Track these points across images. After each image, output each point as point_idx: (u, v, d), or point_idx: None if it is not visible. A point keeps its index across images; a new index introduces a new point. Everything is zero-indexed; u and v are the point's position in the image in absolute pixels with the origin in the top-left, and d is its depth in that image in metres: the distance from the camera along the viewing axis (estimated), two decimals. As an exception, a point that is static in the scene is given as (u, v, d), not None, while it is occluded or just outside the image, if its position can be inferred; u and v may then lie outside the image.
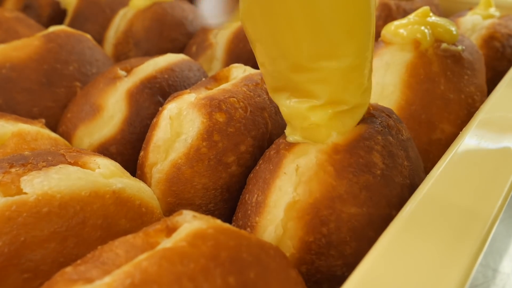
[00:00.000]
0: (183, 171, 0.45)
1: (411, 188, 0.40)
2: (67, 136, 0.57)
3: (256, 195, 0.40)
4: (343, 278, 0.37)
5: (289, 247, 0.38)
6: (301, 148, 0.40)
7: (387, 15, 0.75)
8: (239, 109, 0.46)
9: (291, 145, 0.41)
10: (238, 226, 0.41)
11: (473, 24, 0.68)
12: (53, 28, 0.67)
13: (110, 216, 0.38)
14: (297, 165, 0.38)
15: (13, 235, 0.34)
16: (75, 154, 0.41)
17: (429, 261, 0.30)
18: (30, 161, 0.38)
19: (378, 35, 0.72)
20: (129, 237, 0.31)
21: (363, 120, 0.40)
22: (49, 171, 0.37)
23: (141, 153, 0.48)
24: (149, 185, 0.46)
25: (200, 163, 0.45)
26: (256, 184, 0.41)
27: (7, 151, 0.47)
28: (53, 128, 0.61)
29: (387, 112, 0.43)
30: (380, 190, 0.38)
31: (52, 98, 0.62)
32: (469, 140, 0.42)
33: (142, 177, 0.47)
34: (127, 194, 0.39)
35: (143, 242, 0.30)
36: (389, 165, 0.39)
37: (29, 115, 0.60)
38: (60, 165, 0.38)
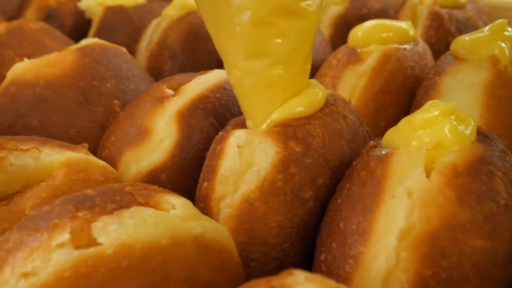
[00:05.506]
0: (256, 207, 0.40)
1: None
2: (112, 161, 0.52)
3: (356, 222, 0.36)
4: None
5: (402, 281, 0.33)
6: (399, 167, 0.36)
7: (439, 25, 0.70)
8: (316, 137, 0.41)
9: (384, 164, 0.37)
10: (333, 257, 0.37)
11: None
12: (85, 41, 0.62)
13: (193, 266, 0.33)
14: (405, 187, 0.35)
15: (91, 296, 0.29)
16: (144, 192, 0.36)
17: None
18: (97, 202, 0.33)
19: (430, 45, 0.68)
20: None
21: (478, 139, 0.37)
22: (122, 215, 0.32)
23: (205, 184, 0.43)
24: (216, 221, 0.41)
25: (275, 198, 0.40)
26: (353, 210, 0.37)
27: (55, 183, 0.42)
28: (92, 152, 0.56)
29: (495, 135, 0.39)
30: (503, 222, 0.34)
31: (89, 118, 0.57)
32: None
33: (207, 211, 0.43)
34: (208, 239, 0.34)
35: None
36: (511, 195, 0.35)
37: (66, 137, 0.55)
38: (134, 207, 0.33)
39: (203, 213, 0.41)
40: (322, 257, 0.38)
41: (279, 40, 0.40)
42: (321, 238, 0.40)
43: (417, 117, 0.38)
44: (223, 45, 0.41)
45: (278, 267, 0.42)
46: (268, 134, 0.40)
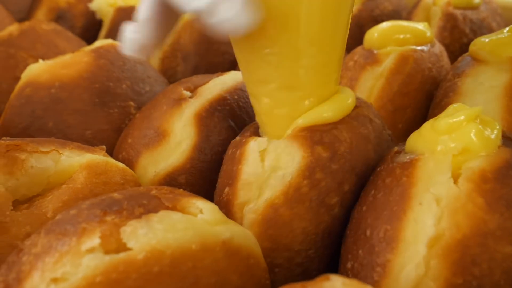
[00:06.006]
0: (281, 213, 0.40)
1: None
2: (129, 164, 0.51)
3: (383, 230, 0.35)
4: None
5: None
6: (425, 173, 0.36)
7: (454, 26, 0.70)
8: (344, 142, 0.41)
9: (409, 170, 0.36)
10: (360, 265, 0.36)
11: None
12: (100, 43, 0.62)
13: (222, 272, 0.32)
14: (433, 194, 0.34)
15: (122, 303, 0.29)
16: (170, 196, 0.35)
17: None
18: (125, 206, 0.33)
19: (445, 46, 0.67)
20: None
21: (504, 143, 0.37)
22: (151, 220, 0.32)
23: (226, 190, 0.43)
24: (239, 226, 0.41)
25: (301, 204, 0.39)
26: (379, 217, 0.36)
27: (77, 186, 0.42)
28: (108, 154, 0.55)
29: None
30: None
31: (105, 120, 0.57)
32: None
33: (229, 217, 0.42)
34: (235, 244, 0.34)
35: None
36: None
37: (82, 139, 0.55)
38: (162, 212, 0.33)
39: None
40: (349, 265, 0.37)
41: (311, 73, 0.40)
42: (346, 245, 0.39)
43: (442, 121, 0.38)
44: (254, 73, 0.41)
45: (302, 273, 0.42)
46: (294, 138, 0.40)
